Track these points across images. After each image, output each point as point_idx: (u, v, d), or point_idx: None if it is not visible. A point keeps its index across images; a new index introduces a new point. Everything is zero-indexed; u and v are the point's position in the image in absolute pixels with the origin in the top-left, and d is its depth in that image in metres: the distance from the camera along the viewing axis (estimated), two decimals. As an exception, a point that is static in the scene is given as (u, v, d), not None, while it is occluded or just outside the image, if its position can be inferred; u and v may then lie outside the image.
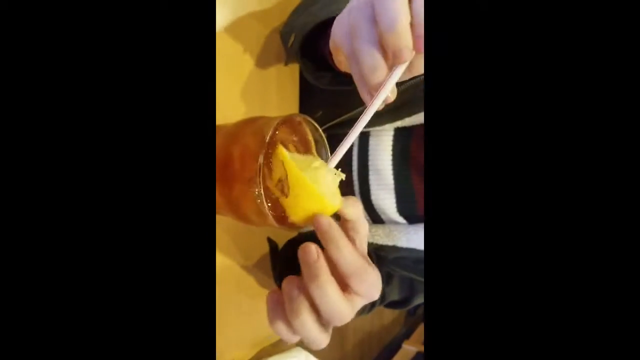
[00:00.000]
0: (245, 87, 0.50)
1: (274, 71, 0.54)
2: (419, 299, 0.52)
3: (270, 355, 0.55)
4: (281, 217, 0.29)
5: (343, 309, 0.27)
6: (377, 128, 0.50)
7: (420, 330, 2.49)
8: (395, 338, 2.53)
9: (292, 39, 0.42)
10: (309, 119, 0.31)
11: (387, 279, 0.51)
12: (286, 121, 0.30)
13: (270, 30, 0.54)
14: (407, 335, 2.49)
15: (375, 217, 0.51)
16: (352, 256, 0.27)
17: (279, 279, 0.51)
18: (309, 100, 0.55)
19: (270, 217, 0.28)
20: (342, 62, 0.35)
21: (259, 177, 0.27)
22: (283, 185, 0.28)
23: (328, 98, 0.52)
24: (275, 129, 0.28)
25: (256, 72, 0.51)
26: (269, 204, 0.28)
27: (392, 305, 0.53)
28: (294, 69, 0.57)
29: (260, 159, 0.27)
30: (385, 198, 0.49)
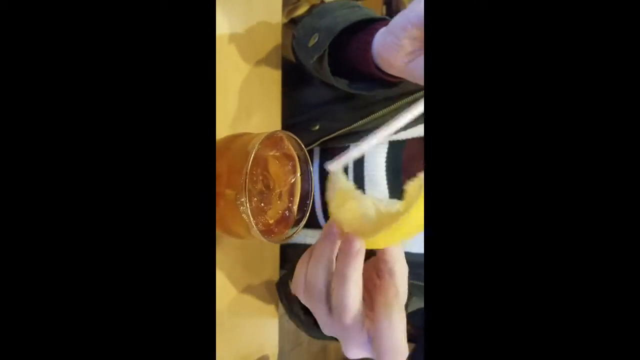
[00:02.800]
0: (230, 101, 0.51)
1: (258, 85, 0.56)
2: (415, 304, 0.53)
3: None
4: (266, 230, 0.30)
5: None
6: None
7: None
8: (377, 357, 2.50)
9: (314, 38, 0.41)
10: (292, 135, 0.33)
11: None
12: (270, 137, 0.31)
13: (257, 46, 0.56)
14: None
15: None
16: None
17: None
18: (307, 113, 0.57)
19: (255, 229, 0.29)
20: (398, 66, 0.35)
21: (245, 190, 0.28)
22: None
23: (326, 112, 0.54)
24: (260, 145, 0.30)
25: (241, 86, 0.53)
26: (255, 218, 0.29)
27: None
28: (276, 84, 0.59)
29: (245, 173, 0.29)
30: None
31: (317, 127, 0.53)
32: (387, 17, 0.39)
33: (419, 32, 0.31)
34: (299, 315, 0.49)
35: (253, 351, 0.58)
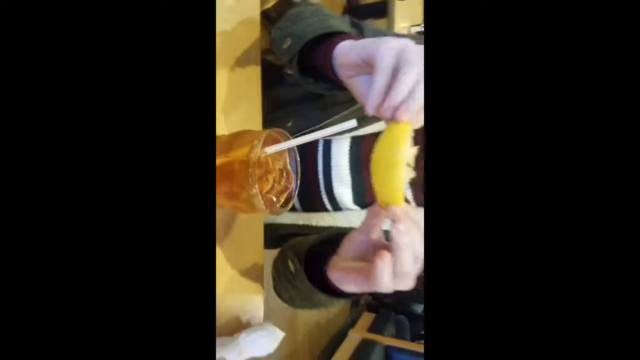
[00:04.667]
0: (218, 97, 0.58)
1: (244, 83, 0.63)
2: None
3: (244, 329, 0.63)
4: (269, 204, 0.39)
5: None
6: (338, 137, 0.61)
7: (364, 319, 2.64)
8: (342, 328, 2.66)
9: (287, 42, 0.50)
10: (285, 132, 0.42)
11: None
12: (270, 135, 0.40)
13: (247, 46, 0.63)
14: (352, 324, 2.61)
15: (335, 206, 0.63)
16: None
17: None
18: (281, 111, 0.66)
19: (265, 209, 0.38)
20: (349, 76, 0.42)
21: (254, 177, 0.37)
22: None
23: (298, 110, 0.63)
24: (263, 141, 0.38)
25: (226, 82, 0.60)
26: (262, 199, 0.38)
27: None
28: (256, 81, 0.66)
29: (254, 164, 0.37)
30: (343, 191, 0.61)
31: (290, 124, 0.62)
32: (346, 32, 0.48)
33: (366, 66, 0.38)
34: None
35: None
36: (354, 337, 2.36)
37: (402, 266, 0.33)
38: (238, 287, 0.65)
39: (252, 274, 0.67)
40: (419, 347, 2.34)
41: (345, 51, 0.42)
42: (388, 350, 2.26)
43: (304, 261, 0.48)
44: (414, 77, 0.34)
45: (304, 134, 0.52)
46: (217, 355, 0.58)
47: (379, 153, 0.34)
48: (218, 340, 0.59)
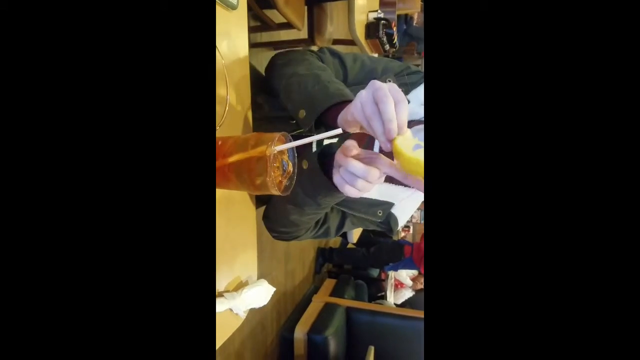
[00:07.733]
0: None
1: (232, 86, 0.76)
2: (347, 227, 0.83)
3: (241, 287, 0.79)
4: (279, 188, 0.55)
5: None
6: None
7: (326, 285, 2.86)
8: (306, 294, 2.86)
9: (302, 113, 0.66)
10: (287, 134, 0.57)
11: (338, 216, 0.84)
12: (278, 137, 0.55)
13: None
14: (315, 290, 2.83)
15: None
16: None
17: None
18: (285, 111, 0.79)
19: (276, 190, 0.53)
20: (351, 128, 0.57)
21: (270, 168, 0.52)
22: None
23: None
24: (277, 140, 0.53)
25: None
26: (273, 184, 0.53)
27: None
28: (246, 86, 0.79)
29: (270, 156, 0.52)
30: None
31: (293, 122, 0.77)
32: (344, 98, 0.63)
33: (356, 123, 0.54)
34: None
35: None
36: (318, 303, 2.58)
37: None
38: (238, 253, 0.80)
39: (249, 242, 0.82)
40: (375, 307, 2.60)
41: (344, 118, 0.59)
42: (348, 311, 2.50)
43: (317, 159, 0.66)
44: (380, 119, 0.49)
45: (302, 134, 0.69)
46: (226, 306, 0.73)
47: (398, 150, 0.48)
48: (226, 295, 0.74)
